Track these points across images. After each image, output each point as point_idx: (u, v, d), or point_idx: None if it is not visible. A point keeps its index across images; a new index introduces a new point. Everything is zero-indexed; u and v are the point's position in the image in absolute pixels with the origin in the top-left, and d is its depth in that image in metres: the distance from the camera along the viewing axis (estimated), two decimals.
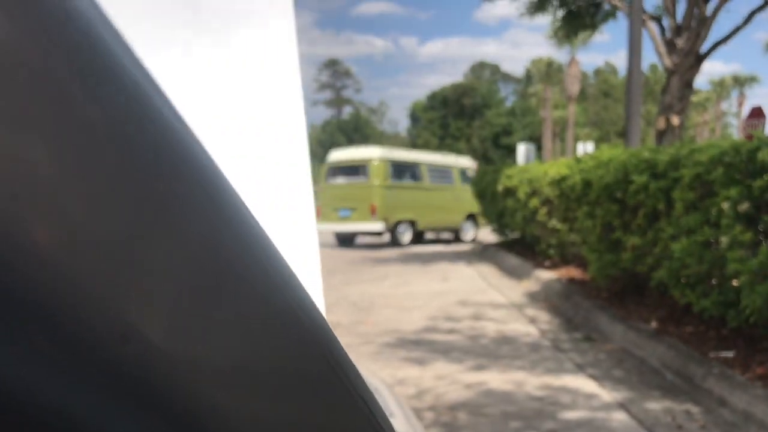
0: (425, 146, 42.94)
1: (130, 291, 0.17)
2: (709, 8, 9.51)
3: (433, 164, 13.86)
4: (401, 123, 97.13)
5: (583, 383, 3.33)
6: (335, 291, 6.61)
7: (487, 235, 12.58)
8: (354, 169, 12.77)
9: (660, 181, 3.91)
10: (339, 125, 55.52)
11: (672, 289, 3.80)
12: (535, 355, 3.94)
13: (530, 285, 6.55)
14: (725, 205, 3.15)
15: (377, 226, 12.43)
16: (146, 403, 0.18)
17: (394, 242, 12.78)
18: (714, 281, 3.44)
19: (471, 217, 13.75)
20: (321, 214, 13.03)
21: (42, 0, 0.16)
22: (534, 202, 7.07)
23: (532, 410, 2.92)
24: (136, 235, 0.17)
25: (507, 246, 9.48)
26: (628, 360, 3.72)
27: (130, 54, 0.18)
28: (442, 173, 13.86)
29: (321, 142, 50.34)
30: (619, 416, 2.85)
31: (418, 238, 13.44)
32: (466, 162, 14.85)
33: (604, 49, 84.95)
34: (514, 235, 9.40)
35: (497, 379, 3.42)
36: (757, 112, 6.17)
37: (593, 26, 13.02)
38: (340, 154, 13.38)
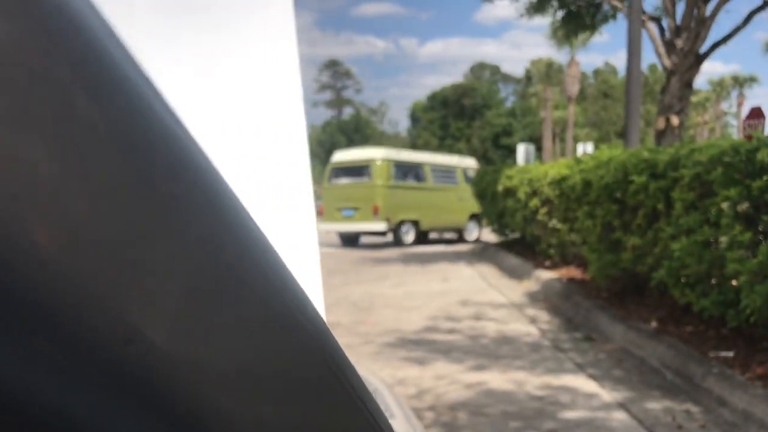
0: (425, 146, 42.95)
1: (132, 292, 0.17)
2: (709, 9, 9.52)
3: (437, 165, 13.92)
4: (401, 123, 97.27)
5: (583, 383, 3.33)
6: (335, 291, 6.61)
7: (490, 235, 12.60)
8: (357, 170, 12.83)
9: (660, 181, 3.91)
10: (339, 126, 55.52)
11: (672, 289, 3.80)
12: (535, 354, 3.94)
13: (530, 285, 6.55)
14: (725, 205, 3.16)
15: (380, 226, 12.49)
16: (148, 404, 0.18)
17: (397, 242, 12.82)
18: (714, 281, 3.44)
19: (474, 217, 13.79)
20: (325, 214, 13.11)
21: (42, 1, 0.16)
22: (534, 202, 7.07)
23: (533, 410, 2.92)
24: (137, 235, 0.17)
25: (507, 246, 9.48)
26: (628, 360, 3.72)
27: (128, 55, 0.18)
28: (445, 174, 13.91)
29: (321, 143, 50.35)
30: (619, 416, 2.85)
31: (422, 238, 13.47)
32: (470, 162, 14.89)
33: (604, 50, 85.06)
34: (515, 235, 9.40)
35: (497, 378, 3.42)
36: (756, 113, 6.17)
37: (593, 27, 13.03)
38: (343, 155, 13.47)
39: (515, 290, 6.50)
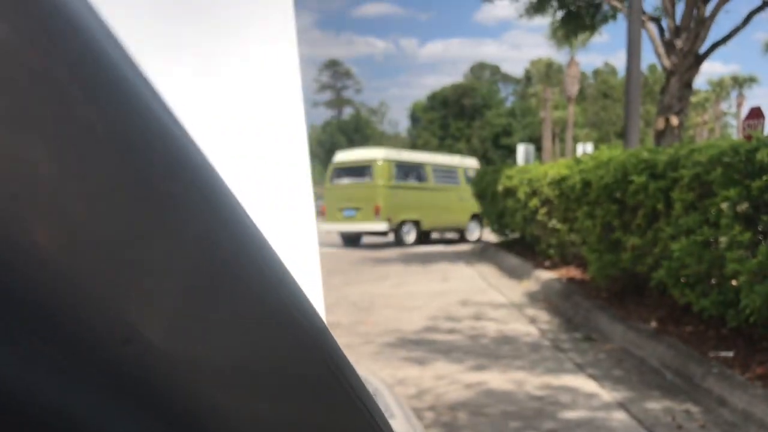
0: (425, 147, 42.95)
1: (130, 291, 0.17)
2: (708, 9, 9.52)
3: (438, 165, 13.95)
4: (401, 123, 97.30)
5: (583, 383, 3.33)
6: (335, 291, 6.61)
7: (491, 235, 12.61)
8: (359, 170, 12.87)
9: (659, 181, 3.91)
10: (339, 126, 55.52)
11: (671, 289, 3.80)
12: (535, 354, 3.94)
13: (530, 285, 6.55)
14: (724, 206, 3.16)
15: (381, 226, 12.52)
16: (146, 403, 0.18)
17: (399, 242, 12.84)
18: (713, 281, 3.44)
19: (476, 217, 13.80)
20: (327, 215, 13.13)
21: (42, 1, 0.16)
22: (534, 202, 7.07)
23: (532, 410, 2.92)
24: (135, 235, 0.17)
25: (507, 246, 9.49)
26: (627, 360, 3.72)
27: (126, 55, 0.18)
28: (447, 174, 13.93)
29: (321, 143, 50.36)
30: (619, 416, 2.85)
31: (424, 238, 13.48)
32: (471, 162, 14.90)
33: (604, 50, 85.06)
34: (514, 235, 9.40)
35: (497, 378, 3.42)
36: (756, 113, 6.17)
37: (592, 27, 13.03)
38: (345, 155, 13.52)
39: (515, 290, 6.51)
